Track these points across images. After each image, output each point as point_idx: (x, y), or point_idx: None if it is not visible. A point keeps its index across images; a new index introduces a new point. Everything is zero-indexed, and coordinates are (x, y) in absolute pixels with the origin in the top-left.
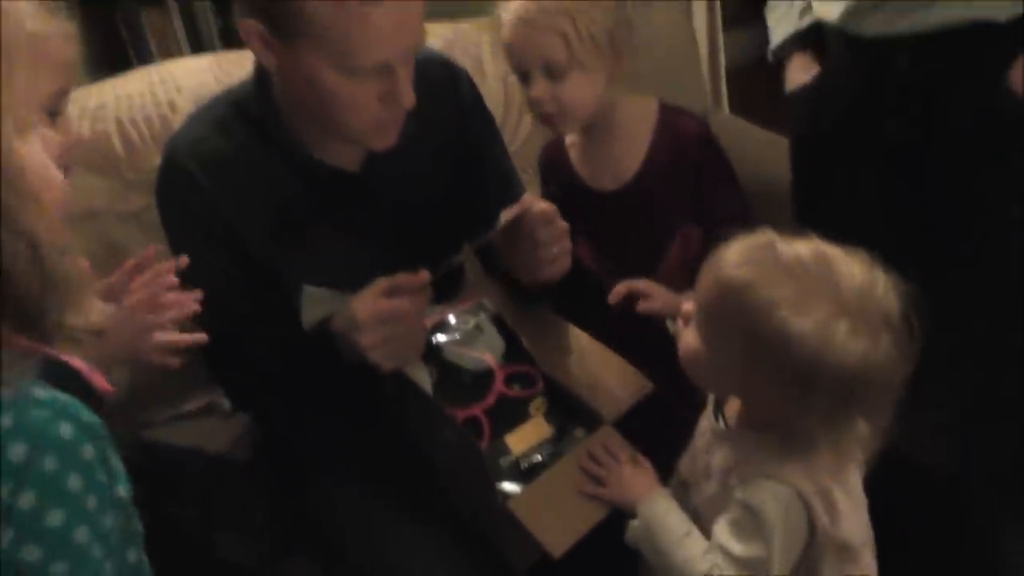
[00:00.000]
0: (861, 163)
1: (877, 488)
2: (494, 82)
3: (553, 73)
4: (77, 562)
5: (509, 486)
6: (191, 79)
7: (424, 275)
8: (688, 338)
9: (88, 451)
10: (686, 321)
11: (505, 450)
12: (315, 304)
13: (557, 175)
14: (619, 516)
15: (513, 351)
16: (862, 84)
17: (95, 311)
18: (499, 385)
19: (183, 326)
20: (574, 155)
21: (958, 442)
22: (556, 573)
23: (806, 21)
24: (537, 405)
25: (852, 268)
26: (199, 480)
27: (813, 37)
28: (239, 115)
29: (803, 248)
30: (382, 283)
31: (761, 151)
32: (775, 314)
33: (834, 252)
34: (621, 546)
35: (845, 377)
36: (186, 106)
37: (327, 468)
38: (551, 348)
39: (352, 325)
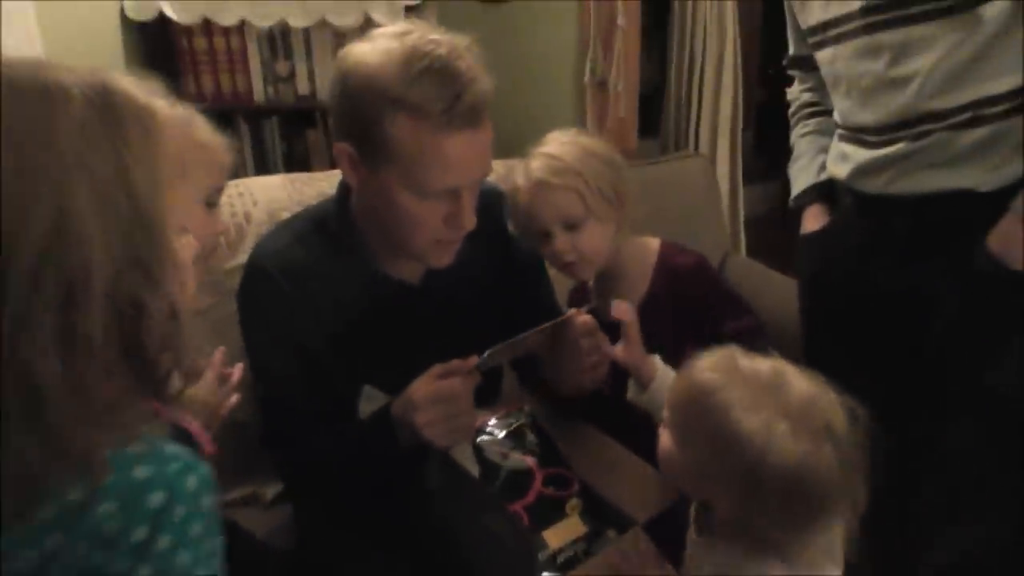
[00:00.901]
0: (862, 307)
1: None
2: None
3: (571, 226)
4: None
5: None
6: (266, 194)
7: (473, 359)
8: (663, 439)
9: (207, 502)
10: (664, 425)
11: (543, 544)
12: (372, 403)
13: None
14: None
15: (550, 455)
16: (865, 235)
17: (204, 386)
18: (538, 485)
19: (251, 415)
20: (593, 291)
21: None
22: None
23: (824, 176)
24: (573, 505)
25: (802, 382)
26: (241, 563)
27: (827, 191)
28: (317, 230)
29: (763, 362)
30: (436, 368)
31: (775, 291)
32: (730, 414)
33: (789, 368)
34: None
35: (787, 477)
36: (261, 217)
37: (365, 557)
38: (585, 454)
39: (410, 405)
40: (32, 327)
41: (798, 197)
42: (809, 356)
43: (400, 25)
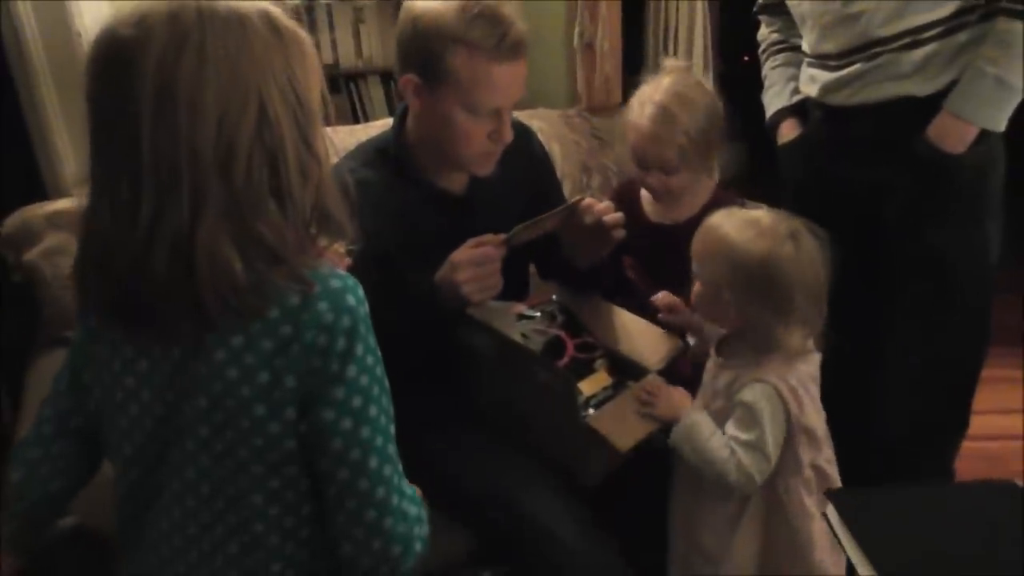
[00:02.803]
0: (832, 200)
1: None
2: None
3: (667, 171)
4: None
5: (584, 413)
6: None
7: (502, 236)
8: (696, 290)
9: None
10: (695, 279)
11: (579, 392)
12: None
13: (623, 207)
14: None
15: (577, 327)
16: (833, 139)
17: None
18: (570, 350)
19: None
20: (645, 196)
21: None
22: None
23: (796, 98)
24: (600, 363)
25: (774, 214)
26: None
27: (798, 110)
28: (380, 154)
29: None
30: (472, 240)
31: None
32: (727, 236)
33: (773, 212)
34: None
35: (763, 266)
36: None
37: (433, 420)
38: (604, 323)
39: (450, 267)
40: (255, 192)
41: (773, 116)
42: None
43: None
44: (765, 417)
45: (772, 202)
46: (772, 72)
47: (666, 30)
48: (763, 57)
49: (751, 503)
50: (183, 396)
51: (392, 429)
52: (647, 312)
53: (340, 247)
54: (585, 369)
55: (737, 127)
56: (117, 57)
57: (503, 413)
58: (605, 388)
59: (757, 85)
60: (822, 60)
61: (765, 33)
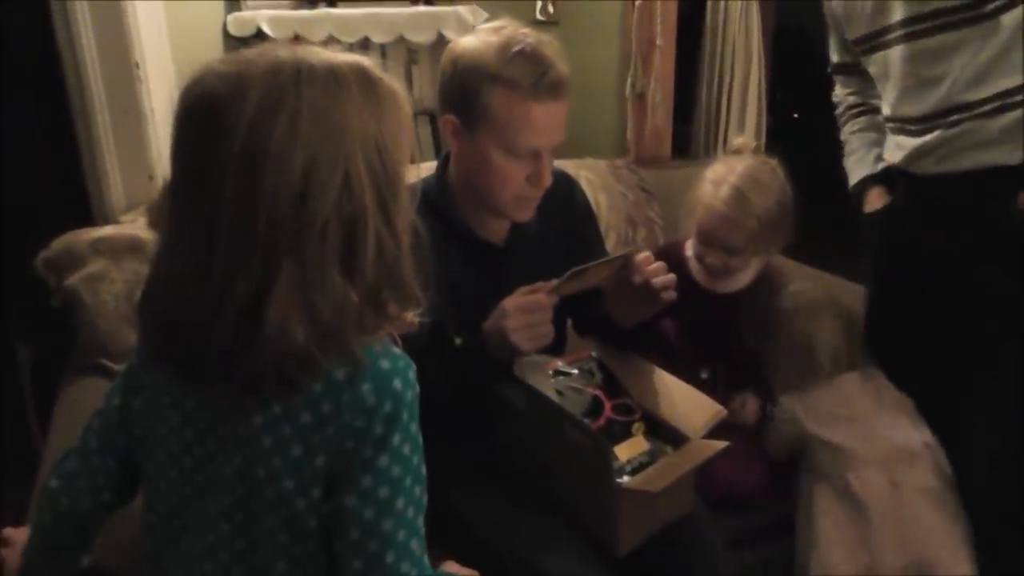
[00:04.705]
0: (920, 270)
1: None
2: None
3: (730, 252)
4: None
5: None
6: None
7: (552, 282)
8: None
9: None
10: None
11: (614, 457)
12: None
13: (669, 267)
14: None
15: (615, 387)
16: (919, 209)
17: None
18: (607, 411)
19: None
20: (692, 258)
21: None
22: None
23: (880, 166)
24: (637, 427)
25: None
26: None
27: (882, 178)
28: (423, 200)
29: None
30: (523, 288)
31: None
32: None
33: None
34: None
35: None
36: None
37: (462, 476)
38: (644, 385)
39: (501, 314)
40: (325, 266)
41: (856, 185)
42: (872, 317)
43: (496, 22)
44: None
45: (821, 258)
46: (852, 137)
47: (720, 82)
48: (841, 120)
49: None
50: (220, 448)
51: (420, 522)
52: (685, 377)
53: (413, 316)
54: (622, 432)
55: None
56: (209, 112)
57: (533, 471)
58: (642, 454)
59: (806, 141)
60: (901, 124)
61: (841, 95)
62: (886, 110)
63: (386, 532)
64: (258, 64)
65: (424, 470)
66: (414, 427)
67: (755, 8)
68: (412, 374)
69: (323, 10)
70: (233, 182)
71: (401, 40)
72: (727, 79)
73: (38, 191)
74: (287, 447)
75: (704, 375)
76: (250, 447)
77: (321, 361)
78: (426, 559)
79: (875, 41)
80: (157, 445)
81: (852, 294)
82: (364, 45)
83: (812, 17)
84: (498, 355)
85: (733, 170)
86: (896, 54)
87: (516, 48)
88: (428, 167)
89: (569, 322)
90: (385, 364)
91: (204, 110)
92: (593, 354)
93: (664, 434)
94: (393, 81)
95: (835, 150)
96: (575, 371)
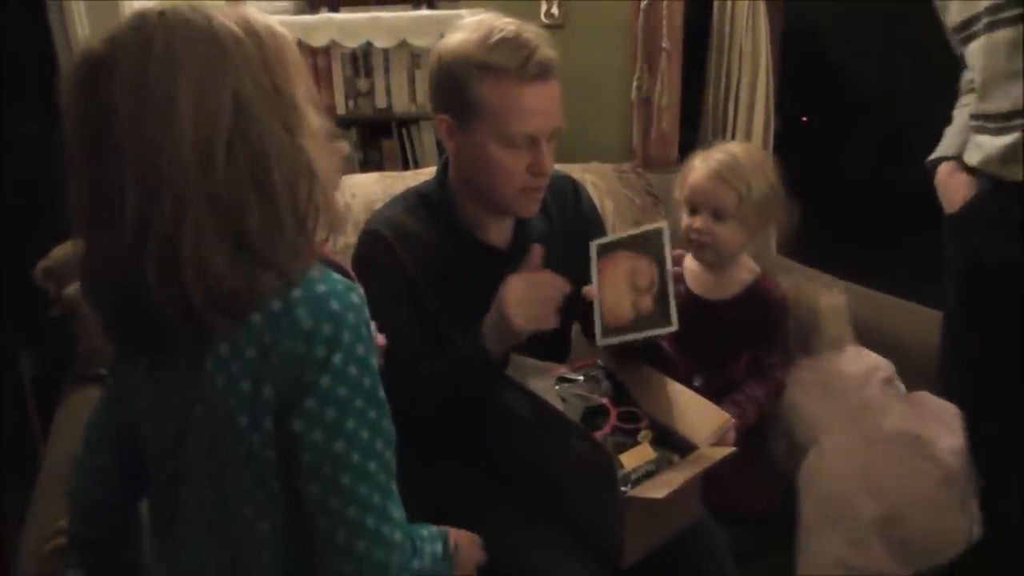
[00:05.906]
0: (1003, 281)
1: None
2: None
3: (719, 217)
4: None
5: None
6: (363, 189)
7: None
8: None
9: (365, 315)
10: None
11: (620, 466)
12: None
13: None
14: None
15: (622, 395)
16: (1000, 215)
17: None
18: (613, 419)
19: None
20: (688, 266)
21: None
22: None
23: (960, 152)
24: (643, 435)
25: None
26: None
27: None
28: (423, 203)
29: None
30: (526, 267)
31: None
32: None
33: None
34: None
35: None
36: (358, 208)
37: (462, 486)
38: (651, 393)
39: (503, 288)
40: (238, 188)
41: (933, 159)
42: (949, 326)
43: (476, 17)
44: None
45: (825, 263)
46: (956, 112)
47: (727, 86)
48: (960, 94)
49: None
50: (187, 407)
51: (381, 447)
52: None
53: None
54: (628, 441)
55: (791, 186)
56: (89, 73)
57: (536, 480)
58: (648, 462)
59: (814, 144)
60: (982, 122)
61: (968, 76)
62: (972, 108)
63: (337, 453)
64: (127, 19)
65: (383, 395)
66: (360, 348)
67: (762, 10)
68: (355, 297)
69: (325, 15)
70: (126, 129)
71: (404, 44)
72: (734, 82)
73: (37, 199)
74: (237, 383)
75: (697, 383)
76: (208, 393)
77: (253, 285)
78: (393, 486)
79: (963, 32)
80: (141, 427)
81: (857, 297)
82: (367, 50)
83: (821, 19)
84: (494, 342)
85: (725, 147)
86: (979, 46)
87: (498, 35)
88: (428, 173)
89: (576, 329)
90: (321, 288)
91: (85, 74)
92: (599, 361)
93: (672, 443)
94: (277, 28)
95: (843, 153)
96: (580, 378)
